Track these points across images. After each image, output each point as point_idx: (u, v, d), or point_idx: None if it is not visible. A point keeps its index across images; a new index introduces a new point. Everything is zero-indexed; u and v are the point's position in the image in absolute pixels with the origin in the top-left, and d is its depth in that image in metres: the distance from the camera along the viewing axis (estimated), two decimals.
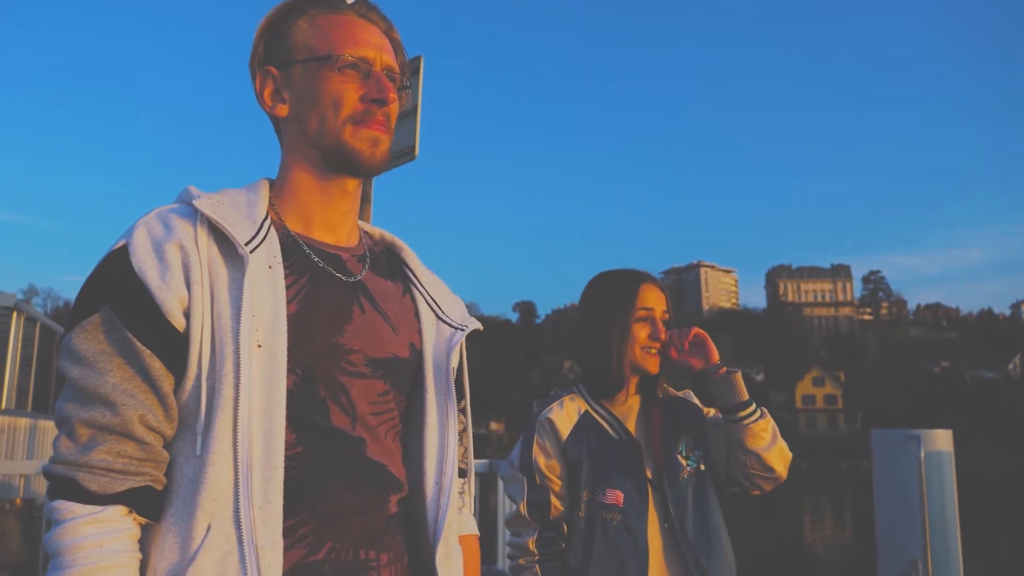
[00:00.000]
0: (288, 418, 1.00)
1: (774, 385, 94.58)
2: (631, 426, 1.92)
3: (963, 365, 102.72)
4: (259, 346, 0.98)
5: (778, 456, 1.87)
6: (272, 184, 1.17)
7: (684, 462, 1.88)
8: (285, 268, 1.06)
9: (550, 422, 1.91)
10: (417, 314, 1.21)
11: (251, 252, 1.02)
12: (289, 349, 1.01)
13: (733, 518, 1.93)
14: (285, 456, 0.98)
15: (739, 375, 1.88)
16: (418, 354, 1.17)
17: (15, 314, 11.01)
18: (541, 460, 1.89)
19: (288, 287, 1.04)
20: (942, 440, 3.55)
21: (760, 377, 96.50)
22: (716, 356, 1.89)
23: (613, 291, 1.96)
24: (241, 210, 1.07)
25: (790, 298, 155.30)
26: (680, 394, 2.05)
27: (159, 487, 0.97)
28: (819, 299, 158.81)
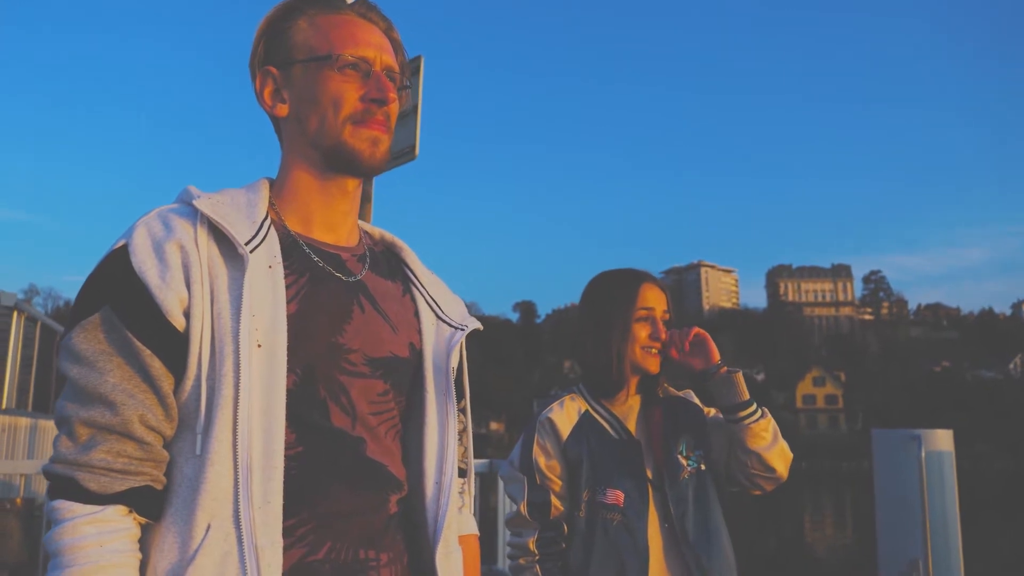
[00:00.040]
0: (288, 418, 1.00)
1: (775, 385, 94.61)
2: (631, 426, 1.92)
3: (964, 365, 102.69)
4: (259, 346, 0.99)
5: (779, 456, 1.87)
6: (272, 184, 1.17)
7: (685, 462, 1.88)
8: (285, 268, 1.06)
9: (550, 422, 1.91)
10: (417, 314, 1.21)
11: (251, 252, 1.02)
12: (289, 349, 1.01)
13: (733, 518, 1.93)
14: (285, 456, 0.98)
15: (740, 375, 1.88)
16: (418, 354, 1.17)
17: (16, 313, 11.01)
18: (541, 460, 1.89)
19: (288, 287, 1.04)
20: (943, 440, 3.55)
21: (761, 377, 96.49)
22: (717, 356, 1.89)
23: (614, 291, 1.96)
24: (241, 210, 1.07)
25: (791, 298, 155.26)
26: (681, 394, 2.05)
27: (159, 487, 0.97)
28: (820, 299, 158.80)
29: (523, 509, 1.89)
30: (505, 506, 4.09)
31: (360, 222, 1.25)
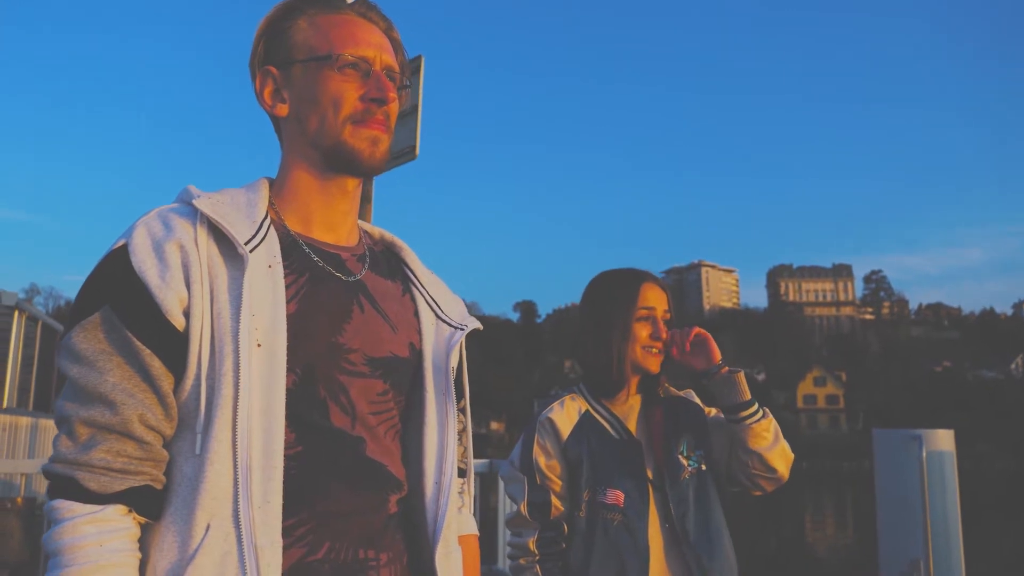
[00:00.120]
0: (287, 417, 1.00)
1: (775, 385, 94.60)
2: (632, 426, 1.92)
3: (965, 365, 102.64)
4: (259, 345, 0.98)
5: (780, 456, 1.87)
6: (272, 183, 1.17)
7: (685, 462, 1.88)
8: (285, 267, 1.06)
9: (551, 422, 1.91)
10: (417, 313, 1.20)
11: (251, 251, 1.02)
12: (289, 348, 1.01)
13: (734, 518, 1.93)
14: (284, 455, 0.98)
15: (742, 375, 1.88)
16: (417, 354, 1.17)
17: (16, 313, 11.02)
18: (542, 460, 1.89)
19: (288, 286, 1.04)
20: (944, 440, 3.55)
21: (761, 377, 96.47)
22: (718, 356, 1.88)
23: (614, 290, 1.96)
24: (241, 209, 1.07)
25: (791, 298, 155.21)
26: (681, 394, 2.05)
27: (158, 486, 0.97)
28: (820, 299, 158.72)
29: (523, 509, 1.88)
30: (505, 506, 4.09)
31: (360, 222, 1.25)
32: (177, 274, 0.99)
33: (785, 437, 1.90)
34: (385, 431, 1.10)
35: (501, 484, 3.86)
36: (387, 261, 1.25)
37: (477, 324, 1.27)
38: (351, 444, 1.05)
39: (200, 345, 0.98)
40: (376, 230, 1.29)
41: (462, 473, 1.24)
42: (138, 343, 0.97)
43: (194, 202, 1.03)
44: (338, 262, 1.13)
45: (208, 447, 0.95)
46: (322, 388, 1.04)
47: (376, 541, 1.05)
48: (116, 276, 0.99)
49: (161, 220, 1.03)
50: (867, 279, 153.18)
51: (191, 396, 0.98)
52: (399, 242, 1.29)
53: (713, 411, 2.00)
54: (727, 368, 1.88)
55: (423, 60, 3.92)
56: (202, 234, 1.02)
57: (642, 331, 1.91)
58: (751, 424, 1.85)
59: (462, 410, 1.23)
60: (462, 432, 1.24)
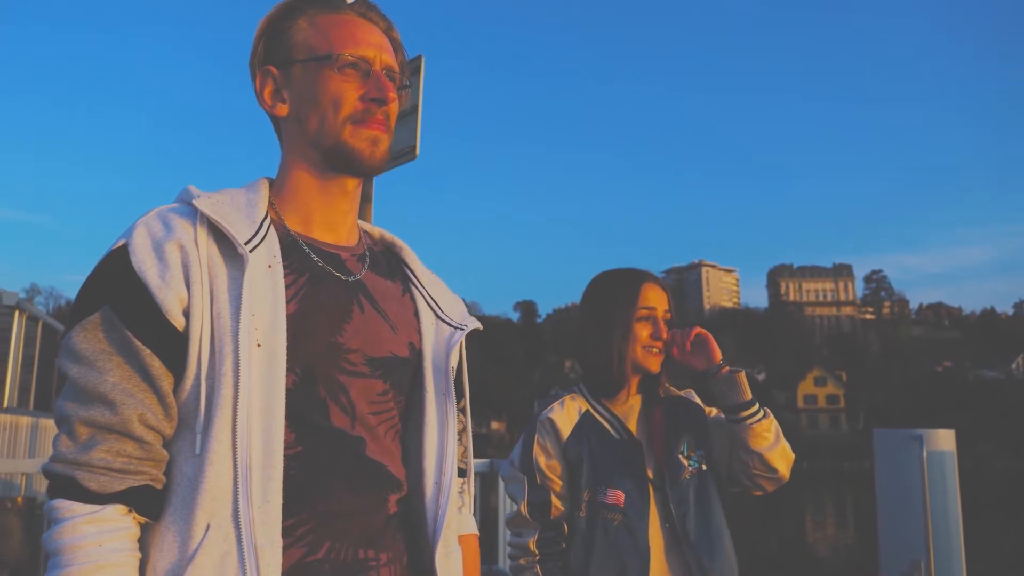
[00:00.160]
0: (287, 417, 1.00)
1: (776, 385, 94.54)
2: (632, 426, 1.92)
3: (966, 365, 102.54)
4: (258, 345, 0.98)
5: (781, 456, 1.87)
6: (272, 183, 1.17)
7: (686, 462, 1.88)
8: (285, 267, 1.06)
9: (551, 422, 1.91)
10: (416, 313, 1.20)
11: (251, 251, 1.02)
12: (288, 348, 1.01)
13: (735, 518, 1.92)
14: (284, 455, 0.98)
15: (743, 374, 1.87)
16: (417, 353, 1.17)
17: (17, 313, 11.03)
18: (542, 460, 1.89)
19: (288, 286, 1.04)
20: (944, 440, 3.55)
21: (762, 377, 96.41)
22: (719, 356, 1.88)
23: (615, 290, 1.96)
24: (241, 209, 1.07)
25: (792, 297, 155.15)
26: (682, 393, 2.05)
27: (158, 486, 0.97)
28: (821, 298, 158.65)
29: (523, 509, 1.88)
30: (505, 506, 4.09)
31: (360, 222, 1.25)
32: (177, 274, 0.99)
33: (785, 437, 1.90)
34: (385, 431, 1.10)
35: (501, 484, 3.86)
36: (387, 261, 1.25)
37: (477, 324, 1.27)
38: (351, 444, 1.05)
39: (200, 345, 0.98)
40: (376, 230, 1.29)
41: (462, 473, 1.24)
42: (138, 343, 0.97)
43: (194, 202, 1.03)
44: (338, 262, 1.13)
45: (208, 447, 0.95)
46: (322, 388, 1.04)
47: (376, 541, 1.05)
48: (116, 276, 0.99)
49: (161, 220, 1.03)
50: (867, 279, 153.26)
51: (191, 396, 0.98)
52: (399, 242, 1.29)
53: (714, 411, 2.00)
54: (728, 368, 1.87)
55: (423, 60, 3.92)
56: (202, 234, 1.02)
57: (642, 331, 1.91)
58: (752, 424, 1.84)
59: (462, 410, 1.23)
60: (462, 432, 1.24)
